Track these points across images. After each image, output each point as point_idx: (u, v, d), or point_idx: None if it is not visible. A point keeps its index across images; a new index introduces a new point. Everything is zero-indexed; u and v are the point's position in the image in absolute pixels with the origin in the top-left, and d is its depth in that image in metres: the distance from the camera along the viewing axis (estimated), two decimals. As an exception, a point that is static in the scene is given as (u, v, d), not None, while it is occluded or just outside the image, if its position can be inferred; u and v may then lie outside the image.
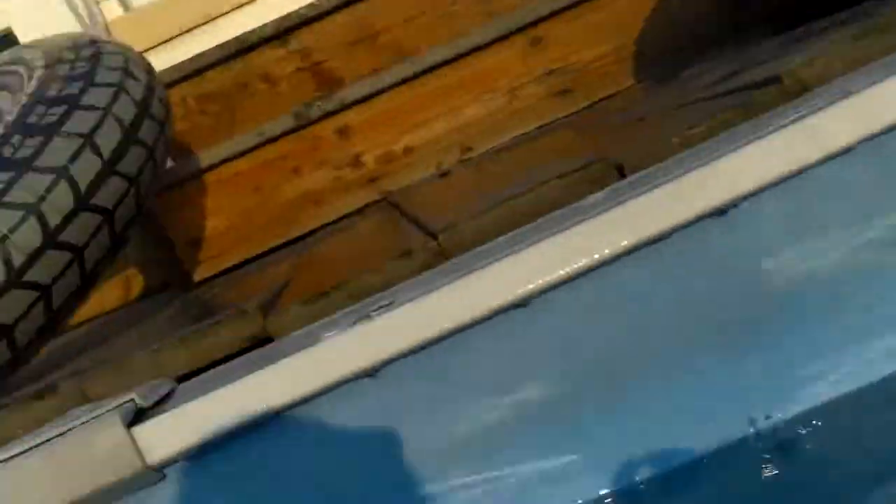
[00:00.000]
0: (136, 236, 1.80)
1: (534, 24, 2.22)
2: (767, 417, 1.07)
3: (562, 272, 1.02)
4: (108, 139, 1.64)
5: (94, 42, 1.84)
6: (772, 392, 1.08)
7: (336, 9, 2.30)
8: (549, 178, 1.25)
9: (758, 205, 1.04)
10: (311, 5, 2.31)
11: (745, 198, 1.03)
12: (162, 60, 2.28)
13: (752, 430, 1.07)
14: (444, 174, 2.18)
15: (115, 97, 1.69)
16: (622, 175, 1.23)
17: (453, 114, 2.22)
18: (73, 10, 2.84)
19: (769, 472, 1.07)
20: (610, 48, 2.21)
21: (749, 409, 1.07)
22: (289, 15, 2.30)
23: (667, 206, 1.02)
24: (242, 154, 2.21)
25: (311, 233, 2.21)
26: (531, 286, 1.01)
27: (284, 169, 2.21)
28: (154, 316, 1.88)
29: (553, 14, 2.22)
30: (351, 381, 1.02)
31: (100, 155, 1.61)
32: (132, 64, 1.80)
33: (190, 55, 2.31)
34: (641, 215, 1.02)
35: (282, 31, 2.30)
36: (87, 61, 1.73)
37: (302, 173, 2.22)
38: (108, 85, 1.71)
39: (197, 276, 2.22)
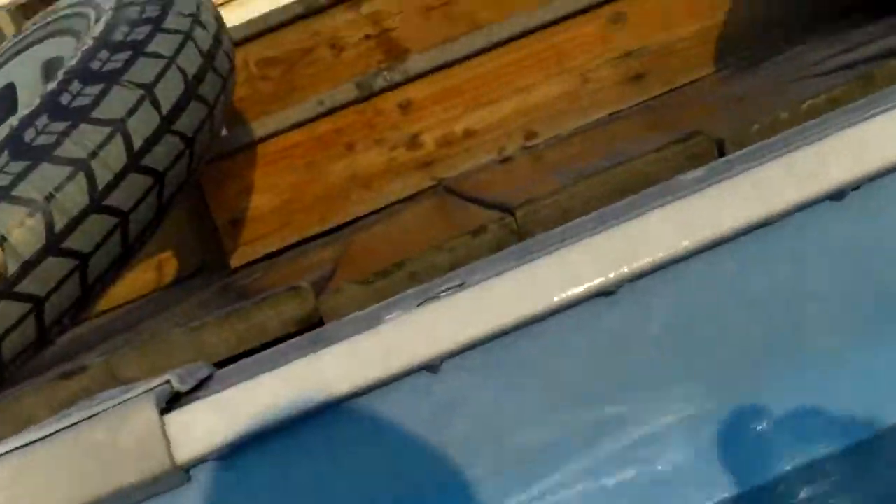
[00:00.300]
0: (175, 212, 1.69)
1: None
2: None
3: (656, 256, 0.90)
4: (169, 92, 1.53)
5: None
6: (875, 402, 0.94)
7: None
8: (642, 153, 1.13)
9: (883, 188, 0.92)
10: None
11: (867, 179, 0.91)
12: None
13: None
14: (504, 160, 2.06)
15: (181, 46, 1.58)
16: (721, 153, 1.11)
17: (521, 94, 2.10)
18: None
19: None
20: (692, 30, 2.08)
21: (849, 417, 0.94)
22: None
23: (776, 186, 0.90)
24: (298, 125, 2.10)
25: (358, 219, 2.10)
26: (620, 271, 0.89)
27: (338, 144, 2.10)
28: (188, 300, 1.78)
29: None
30: (411, 374, 0.90)
31: (158, 109, 1.50)
32: (203, 10, 1.68)
33: (256, 14, 2.19)
34: (748, 195, 0.90)
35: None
36: (158, 4, 1.62)
37: (355, 150, 2.11)
38: (177, 32, 1.59)
39: (235, 261, 2.12)
